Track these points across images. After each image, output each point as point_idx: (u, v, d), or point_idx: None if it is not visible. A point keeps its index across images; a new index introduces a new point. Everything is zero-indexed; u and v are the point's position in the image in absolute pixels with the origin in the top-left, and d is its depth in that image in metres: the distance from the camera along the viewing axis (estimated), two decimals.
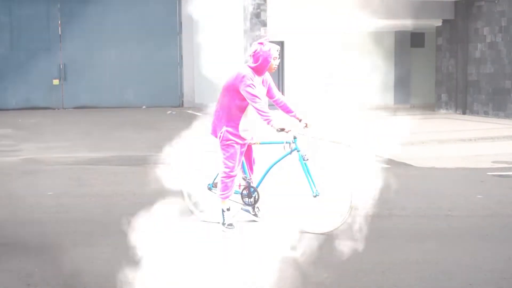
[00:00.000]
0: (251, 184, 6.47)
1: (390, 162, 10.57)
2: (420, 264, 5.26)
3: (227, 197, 6.31)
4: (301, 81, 21.31)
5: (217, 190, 6.39)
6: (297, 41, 21.35)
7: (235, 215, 6.54)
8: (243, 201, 6.51)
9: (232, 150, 6.22)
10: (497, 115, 18.07)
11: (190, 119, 19.43)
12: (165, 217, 6.81)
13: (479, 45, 18.77)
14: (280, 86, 20.74)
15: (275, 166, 6.38)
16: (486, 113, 18.53)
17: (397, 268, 5.15)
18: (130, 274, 5.00)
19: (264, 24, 17.63)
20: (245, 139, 6.31)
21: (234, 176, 6.26)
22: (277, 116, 6.22)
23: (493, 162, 10.55)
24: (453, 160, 10.81)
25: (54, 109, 23.42)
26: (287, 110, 6.40)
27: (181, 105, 24.49)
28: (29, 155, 11.53)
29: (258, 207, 6.61)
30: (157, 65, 24.17)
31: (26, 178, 9.36)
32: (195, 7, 22.11)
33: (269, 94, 6.43)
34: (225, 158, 6.24)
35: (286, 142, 6.22)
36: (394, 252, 5.64)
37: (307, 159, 6.15)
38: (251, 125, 6.35)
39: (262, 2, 17.57)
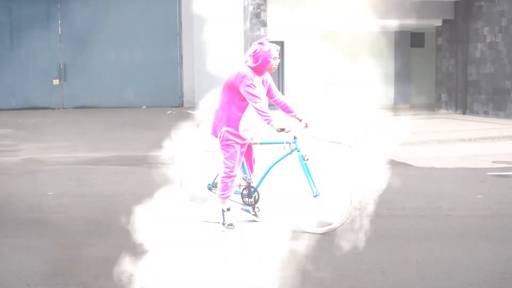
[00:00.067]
0: (251, 184, 6.48)
1: (390, 162, 10.56)
2: (420, 264, 5.26)
3: (227, 197, 6.31)
4: (301, 81, 21.31)
5: (217, 190, 6.39)
6: (297, 41, 21.35)
7: (235, 215, 6.54)
8: (243, 201, 6.51)
9: (232, 150, 6.22)
10: (497, 115, 18.06)
11: (190, 119, 19.43)
12: (165, 217, 6.82)
13: (479, 45, 18.77)
14: (280, 86, 20.74)
15: (275, 166, 6.38)
16: (486, 113, 18.52)
17: (397, 268, 5.15)
18: (130, 274, 5.00)
19: (264, 24, 17.63)
20: (245, 139, 6.31)
21: (234, 176, 6.26)
22: (277, 116, 6.22)
23: (493, 162, 10.55)
24: (453, 160, 10.81)
25: (54, 109, 23.41)
26: (287, 110, 6.41)
27: (181, 105, 24.49)
28: (29, 155, 11.53)
29: (258, 207, 6.61)
30: (157, 65, 24.16)
31: (26, 178, 9.36)
32: (198, 6, 22.14)
33: (269, 94, 6.43)
34: (225, 158, 6.25)
35: (286, 142, 6.22)
36: (394, 252, 5.64)
37: (307, 159, 6.16)
38: (251, 125, 6.35)
39: (262, 2, 17.57)
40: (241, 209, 6.61)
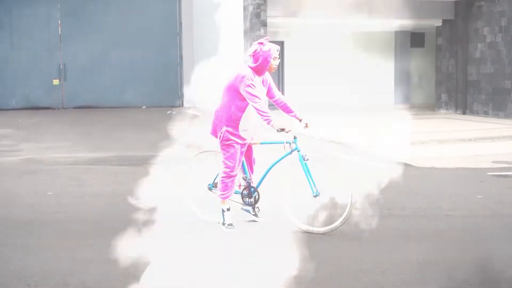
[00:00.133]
0: (251, 184, 6.47)
1: (390, 162, 10.55)
2: (420, 264, 5.26)
3: (227, 197, 6.31)
4: (301, 81, 21.31)
5: (217, 190, 6.39)
6: (297, 41, 21.35)
7: (235, 215, 6.54)
8: (243, 201, 6.51)
9: (232, 150, 6.22)
10: (497, 115, 18.06)
11: (190, 119, 19.44)
12: (165, 217, 6.81)
13: (479, 45, 18.77)
14: (280, 86, 20.74)
15: (275, 166, 6.38)
16: (486, 113, 18.52)
17: (397, 268, 5.15)
18: (129, 274, 5.00)
19: (264, 24, 17.63)
20: (245, 139, 6.31)
21: (234, 176, 6.26)
22: (277, 116, 6.22)
23: (493, 162, 10.55)
24: (453, 160, 10.80)
25: (54, 109, 23.41)
26: (287, 110, 6.40)
27: (181, 105, 24.49)
28: (29, 155, 11.53)
29: (258, 207, 6.61)
30: (157, 65, 24.17)
31: (26, 178, 9.36)
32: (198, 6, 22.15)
33: (269, 94, 6.43)
34: (225, 158, 6.25)
35: (286, 142, 6.22)
36: (394, 252, 5.63)
37: (307, 159, 6.15)
38: (251, 125, 6.35)
39: (262, 2, 17.57)
40: (241, 209, 6.61)
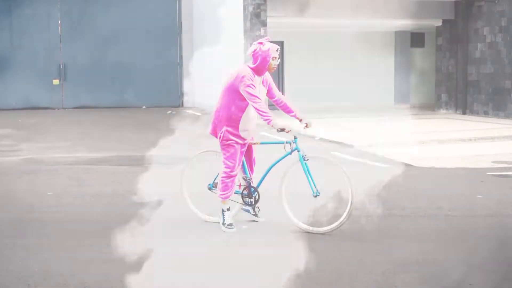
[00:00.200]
0: (252, 184, 6.47)
1: (390, 162, 10.56)
2: (420, 264, 5.26)
3: (227, 197, 6.31)
4: (301, 81, 21.31)
5: (217, 190, 6.38)
6: (297, 41, 21.35)
7: (235, 215, 6.55)
8: (243, 201, 6.51)
9: (232, 150, 6.22)
10: (497, 115, 18.07)
11: (190, 119, 19.44)
12: (164, 217, 6.82)
13: (479, 45, 18.77)
14: (280, 86, 20.74)
15: (275, 166, 6.38)
16: (486, 113, 18.53)
17: (397, 268, 5.15)
18: (130, 274, 5.00)
19: (264, 24, 17.63)
20: (245, 139, 6.31)
21: (235, 176, 6.26)
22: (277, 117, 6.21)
23: (493, 162, 10.55)
24: (453, 160, 10.80)
25: (54, 109, 23.42)
26: (288, 110, 6.40)
27: (181, 105, 24.50)
28: (29, 155, 11.53)
29: (258, 207, 6.61)
30: (157, 65, 24.18)
31: (26, 178, 9.36)
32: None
33: (270, 94, 6.43)
34: (225, 158, 6.25)
35: (287, 142, 6.22)
36: (394, 252, 5.63)
37: (308, 159, 6.15)
38: (251, 125, 6.35)
39: (262, 2, 17.57)
40: (241, 209, 6.61)
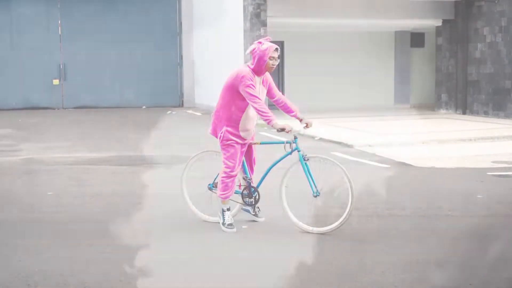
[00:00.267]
0: (252, 184, 6.47)
1: (390, 162, 10.57)
2: (420, 264, 5.26)
3: (227, 197, 6.31)
4: (301, 81, 21.31)
5: (218, 190, 6.38)
6: (297, 41, 21.35)
7: (235, 215, 6.55)
8: (243, 201, 6.51)
9: (232, 150, 6.22)
10: (497, 115, 18.07)
11: (190, 119, 19.45)
12: (164, 217, 6.82)
13: (479, 45, 18.77)
14: (280, 86, 20.74)
15: (275, 166, 6.38)
16: (486, 113, 18.53)
17: (397, 268, 5.15)
18: (130, 274, 5.00)
19: (264, 24, 17.63)
20: (245, 139, 6.31)
21: (235, 176, 6.26)
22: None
23: (493, 162, 10.55)
24: (453, 160, 10.81)
25: (54, 109, 23.42)
26: (288, 110, 6.40)
27: (181, 105, 24.50)
28: (29, 155, 11.53)
29: (258, 207, 6.61)
30: (157, 65, 24.18)
31: (26, 178, 9.36)
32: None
33: (270, 94, 6.42)
34: (226, 158, 6.25)
35: (287, 142, 6.22)
36: (394, 252, 5.63)
37: (308, 159, 6.15)
38: (251, 125, 6.35)
39: (262, 2, 17.57)
40: (241, 209, 6.61)
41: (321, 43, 21.72)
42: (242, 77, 6.09)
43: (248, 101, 6.08)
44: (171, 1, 24.37)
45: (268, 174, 6.43)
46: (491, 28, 18.25)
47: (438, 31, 20.30)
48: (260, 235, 6.16)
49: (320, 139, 13.31)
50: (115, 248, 5.73)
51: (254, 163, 6.57)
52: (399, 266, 5.20)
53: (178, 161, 10.51)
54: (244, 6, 17.81)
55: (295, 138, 6.20)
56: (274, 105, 6.51)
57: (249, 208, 6.57)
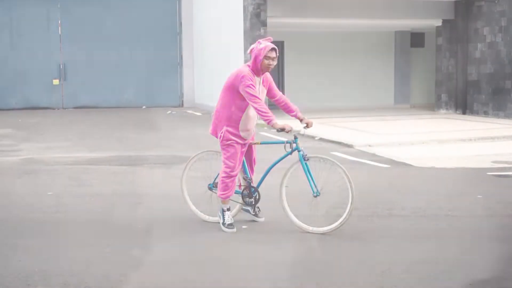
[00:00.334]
0: (252, 184, 6.47)
1: (390, 162, 10.57)
2: (420, 264, 5.26)
3: (227, 197, 6.31)
4: (301, 81, 21.31)
5: (218, 190, 6.38)
6: (297, 41, 21.36)
7: (235, 215, 6.55)
8: (243, 201, 6.51)
9: (232, 150, 6.22)
10: (497, 115, 18.07)
11: (190, 119, 19.45)
12: (164, 217, 6.82)
13: (479, 45, 18.77)
14: (280, 86, 20.74)
15: (275, 166, 6.38)
16: (486, 113, 18.53)
17: (397, 268, 5.15)
18: (130, 274, 5.00)
19: (264, 24, 17.64)
20: (245, 139, 6.31)
21: (235, 176, 6.26)
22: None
23: (493, 162, 10.55)
24: (453, 160, 10.81)
25: (54, 109, 23.43)
26: (288, 110, 6.39)
27: (181, 105, 24.50)
28: (29, 155, 11.53)
29: (258, 207, 6.61)
30: (157, 65, 24.19)
31: (26, 178, 9.36)
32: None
33: (270, 94, 6.42)
34: (226, 158, 6.24)
35: (287, 142, 6.22)
36: (394, 252, 5.63)
37: (308, 159, 6.15)
38: (251, 125, 6.35)
39: (262, 2, 17.57)
40: (242, 209, 6.61)
41: (321, 43, 21.73)
42: (242, 77, 6.08)
43: (248, 101, 6.08)
44: (171, 1, 24.37)
45: (268, 174, 6.43)
46: (491, 28, 18.25)
47: (438, 31, 20.30)
48: (260, 235, 6.16)
49: (320, 139, 13.31)
50: (115, 248, 5.73)
51: (254, 163, 6.57)
52: (399, 266, 5.20)
53: (178, 161, 10.51)
54: (244, 6, 17.82)
55: (295, 138, 6.20)
56: (274, 105, 6.51)
57: (249, 208, 6.57)
